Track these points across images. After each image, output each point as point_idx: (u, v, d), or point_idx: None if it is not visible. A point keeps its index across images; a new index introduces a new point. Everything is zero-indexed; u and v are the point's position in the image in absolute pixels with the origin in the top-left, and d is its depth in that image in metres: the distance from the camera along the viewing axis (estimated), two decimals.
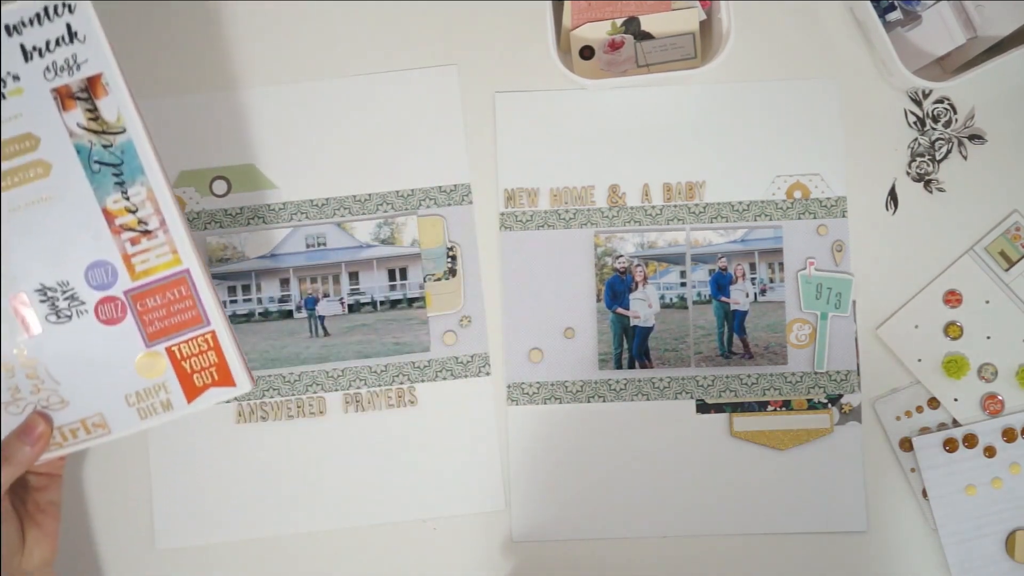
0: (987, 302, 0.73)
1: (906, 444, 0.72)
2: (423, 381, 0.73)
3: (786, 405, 0.73)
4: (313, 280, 0.73)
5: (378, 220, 0.74)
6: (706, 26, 0.73)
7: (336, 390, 0.73)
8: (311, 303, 0.73)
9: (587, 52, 0.72)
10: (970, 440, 0.72)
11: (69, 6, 0.56)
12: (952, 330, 0.73)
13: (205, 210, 0.73)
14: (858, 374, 0.73)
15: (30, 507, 0.61)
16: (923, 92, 0.74)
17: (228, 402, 0.73)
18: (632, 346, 0.73)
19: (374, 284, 0.74)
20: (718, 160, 0.74)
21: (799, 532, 0.72)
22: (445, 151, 0.74)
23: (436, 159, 0.74)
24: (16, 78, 0.56)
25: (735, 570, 0.72)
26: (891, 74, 0.71)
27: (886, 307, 0.73)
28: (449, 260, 0.74)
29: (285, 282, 0.73)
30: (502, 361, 0.73)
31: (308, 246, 0.74)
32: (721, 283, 0.73)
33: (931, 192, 0.74)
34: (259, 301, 0.73)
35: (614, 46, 0.72)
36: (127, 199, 0.57)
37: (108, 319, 0.57)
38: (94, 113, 0.56)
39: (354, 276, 0.74)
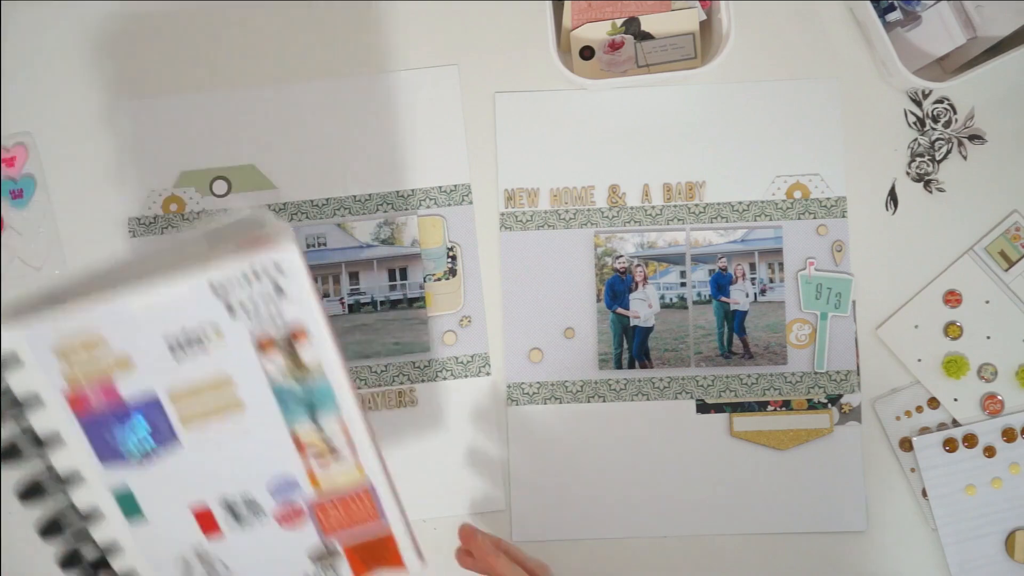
0: (987, 302, 0.73)
1: (906, 444, 0.72)
2: (423, 381, 0.73)
3: (786, 405, 0.73)
4: (313, 280, 0.73)
5: (378, 220, 0.74)
6: (706, 26, 0.73)
7: None
8: None
9: (587, 52, 0.72)
10: (970, 440, 0.72)
11: (279, 265, 0.53)
12: (952, 330, 0.73)
13: (205, 210, 0.73)
14: (858, 374, 0.73)
15: None
16: (923, 92, 0.74)
17: None
18: (632, 346, 0.73)
19: (374, 284, 0.74)
20: (718, 160, 0.74)
21: (799, 532, 0.72)
22: (445, 151, 0.74)
23: (436, 159, 0.74)
24: (219, 334, 0.53)
25: (735, 570, 0.72)
26: (891, 74, 0.71)
27: (886, 307, 0.73)
28: (449, 260, 0.74)
29: None
30: (502, 361, 0.73)
31: (308, 246, 0.74)
32: (721, 283, 0.73)
33: (931, 192, 0.74)
34: None
35: (614, 46, 0.72)
36: (319, 430, 0.56)
37: (287, 523, 0.57)
38: (295, 360, 0.54)
39: (354, 276, 0.74)
